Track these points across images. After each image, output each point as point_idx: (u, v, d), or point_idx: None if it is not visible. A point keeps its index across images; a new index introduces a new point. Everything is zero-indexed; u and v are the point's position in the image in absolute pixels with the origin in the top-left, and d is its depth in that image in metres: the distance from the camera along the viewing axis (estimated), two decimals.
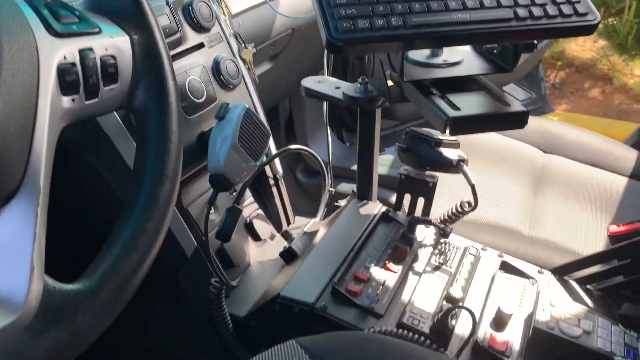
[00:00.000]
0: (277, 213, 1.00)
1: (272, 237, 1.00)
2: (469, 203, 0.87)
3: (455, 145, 0.87)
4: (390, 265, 0.83)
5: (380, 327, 0.71)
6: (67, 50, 0.44)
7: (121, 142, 0.71)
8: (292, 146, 0.96)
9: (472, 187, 0.84)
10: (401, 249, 0.85)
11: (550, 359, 0.73)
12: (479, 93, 0.72)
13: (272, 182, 1.00)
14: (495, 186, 1.17)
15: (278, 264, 0.91)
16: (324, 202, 1.01)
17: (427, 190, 0.92)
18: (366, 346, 0.64)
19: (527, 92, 2.41)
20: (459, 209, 0.88)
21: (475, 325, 0.70)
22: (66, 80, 0.43)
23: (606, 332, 0.74)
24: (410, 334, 0.70)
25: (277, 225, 1.00)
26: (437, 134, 0.88)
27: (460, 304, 0.76)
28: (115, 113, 0.70)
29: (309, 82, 0.92)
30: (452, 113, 0.65)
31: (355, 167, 1.03)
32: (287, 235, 0.94)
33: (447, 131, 0.66)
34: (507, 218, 1.09)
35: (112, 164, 0.72)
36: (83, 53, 0.45)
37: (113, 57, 0.48)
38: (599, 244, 1.03)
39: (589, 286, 0.87)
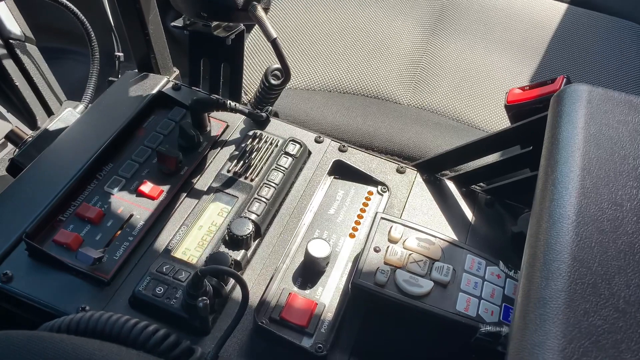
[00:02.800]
0: (22, 98, 0.66)
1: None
2: (280, 70, 0.53)
3: None
4: (147, 187, 0.51)
5: (83, 314, 0.41)
6: None
7: None
8: None
9: (273, 43, 0.49)
10: (168, 158, 0.52)
11: (385, 329, 0.45)
12: None
13: (2, 51, 0.64)
14: (376, 28, 0.81)
15: (4, 184, 0.59)
16: (93, 78, 0.66)
17: (228, 52, 0.58)
18: None
19: None
20: (266, 82, 0.54)
21: (246, 299, 0.41)
22: None
23: (475, 281, 0.45)
24: (130, 324, 0.39)
25: (25, 118, 0.67)
26: None
27: (247, 245, 0.47)
28: None
29: None
30: None
31: None
32: (17, 138, 0.60)
33: None
34: (379, 81, 0.74)
35: None
36: None
37: None
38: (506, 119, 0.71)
39: (476, 186, 0.58)
